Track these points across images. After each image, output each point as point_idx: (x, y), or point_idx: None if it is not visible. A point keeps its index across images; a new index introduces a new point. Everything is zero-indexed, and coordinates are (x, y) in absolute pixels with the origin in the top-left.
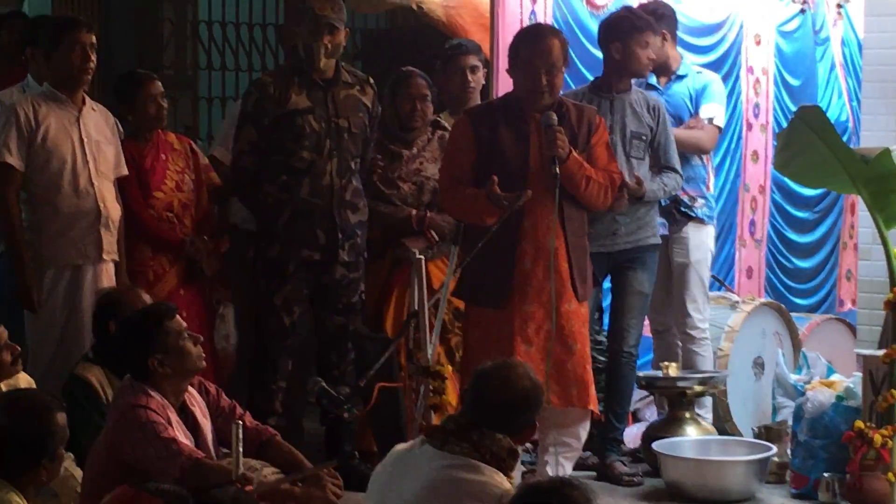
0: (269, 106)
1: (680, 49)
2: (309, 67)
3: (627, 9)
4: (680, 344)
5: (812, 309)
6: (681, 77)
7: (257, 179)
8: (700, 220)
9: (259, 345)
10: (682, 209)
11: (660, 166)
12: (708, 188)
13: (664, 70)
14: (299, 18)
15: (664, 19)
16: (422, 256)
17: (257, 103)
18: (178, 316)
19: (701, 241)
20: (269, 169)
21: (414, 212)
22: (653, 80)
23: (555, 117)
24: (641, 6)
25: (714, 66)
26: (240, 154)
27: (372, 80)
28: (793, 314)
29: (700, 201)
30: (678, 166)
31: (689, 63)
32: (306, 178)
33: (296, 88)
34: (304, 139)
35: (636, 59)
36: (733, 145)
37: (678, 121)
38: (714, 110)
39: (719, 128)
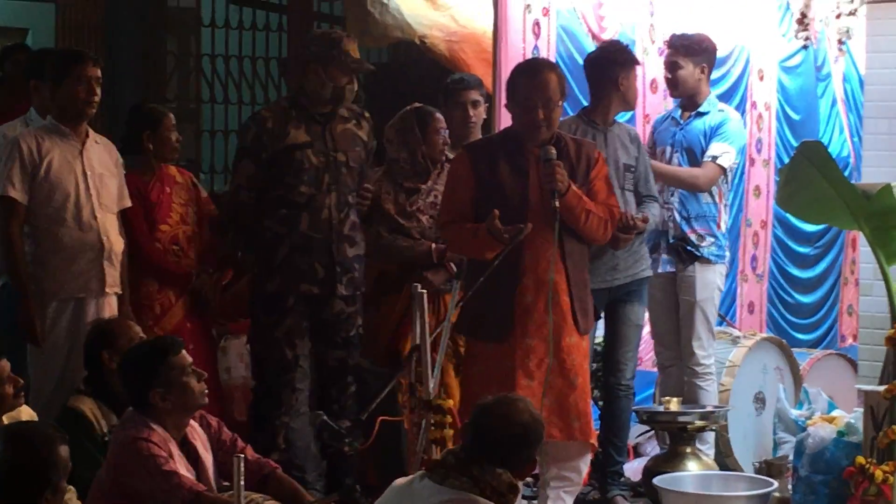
0: (268, 140)
1: None
2: (332, 106)
3: (618, 42)
4: (685, 378)
5: (813, 344)
6: (702, 114)
7: (255, 214)
8: (707, 260)
9: (261, 379)
10: (689, 248)
11: (640, 195)
12: (719, 226)
13: (691, 105)
14: (328, 61)
15: (706, 53)
16: (423, 291)
17: (256, 138)
18: (183, 351)
19: (708, 280)
20: (268, 203)
21: (434, 245)
22: (677, 113)
23: (553, 151)
24: (684, 36)
25: (721, 99)
26: (237, 188)
27: (368, 115)
28: (794, 349)
29: (709, 240)
30: (657, 195)
31: (713, 99)
32: (305, 213)
33: (294, 123)
34: (303, 173)
35: (635, 92)
36: (736, 180)
37: (691, 155)
38: (721, 149)
39: (723, 168)
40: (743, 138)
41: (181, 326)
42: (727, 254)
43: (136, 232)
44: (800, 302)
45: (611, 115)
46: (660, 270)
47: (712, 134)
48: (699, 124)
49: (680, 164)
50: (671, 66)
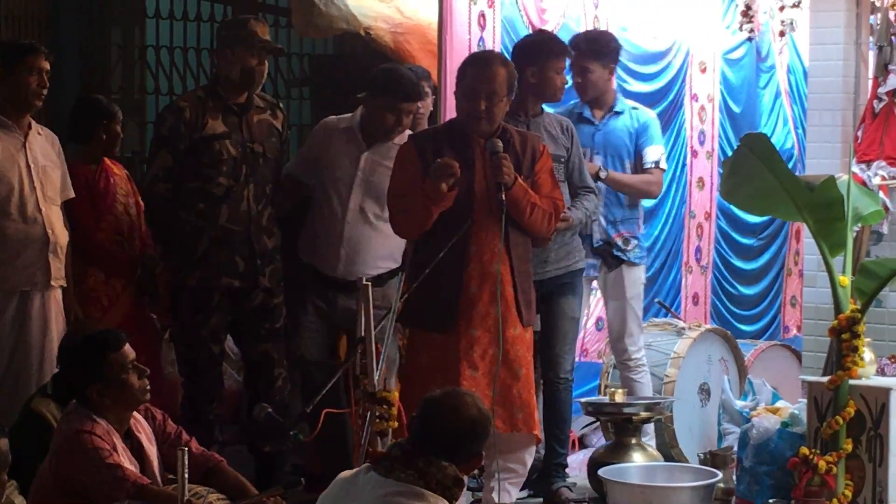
0: (186, 130)
1: (626, 76)
2: (244, 90)
3: (542, 32)
4: (620, 373)
5: (756, 335)
6: (618, 113)
7: (172, 206)
8: (633, 263)
9: (190, 377)
10: (616, 253)
11: (576, 187)
12: (640, 228)
13: (600, 104)
14: (235, 42)
15: (613, 53)
16: (368, 282)
17: (173, 128)
18: (125, 347)
19: (635, 278)
20: (186, 195)
21: None
22: (587, 112)
23: (500, 144)
24: (590, 38)
25: (659, 93)
26: (154, 180)
27: (281, 105)
28: (738, 340)
29: (633, 243)
30: (592, 185)
31: (620, 97)
32: (224, 205)
33: (211, 113)
34: (221, 165)
35: (551, 84)
36: (678, 172)
37: (618, 159)
38: (658, 151)
39: (664, 170)
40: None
41: (129, 317)
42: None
43: (83, 220)
44: (743, 293)
45: (530, 108)
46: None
47: (640, 136)
48: (619, 124)
49: (603, 166)
50: (581, 71)
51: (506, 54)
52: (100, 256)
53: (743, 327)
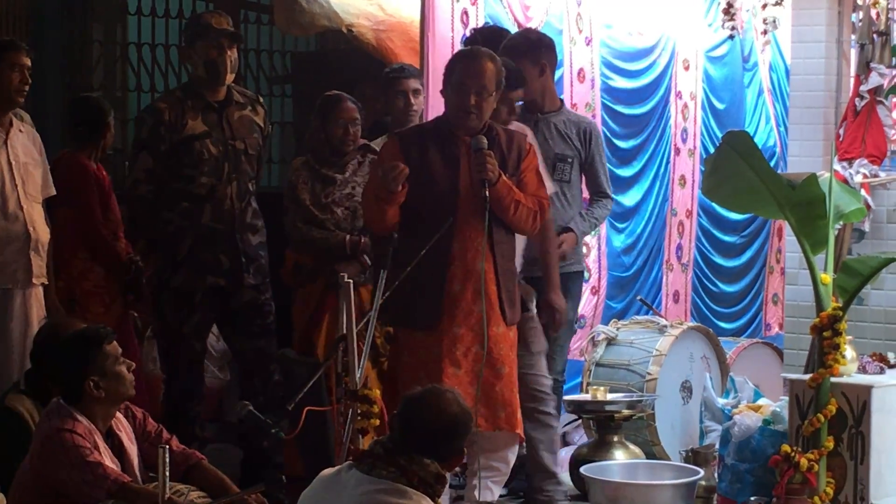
0: (166, 132)
1: (610, 73)
2: (213, 84)
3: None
4: None
5: (737, 333)
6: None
7: (154, 207)
8: None
9: (171, 373)
10: None
11: (591, 192)
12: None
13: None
14: (194, 38)
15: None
16: (350, 280)
17: (153, 130)
18: (115, 340)
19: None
20: (168, 196)
21: (348, 237)
22: None
23: (485, 141)
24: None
25: (646, 90)
26: (135, 183)
27: (261, 99)
28: (720, 338)
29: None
30: (609, 191)
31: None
32: (207, 204)
33: (191, 113)
34: (202, 164)
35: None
36: (661, 170)
37: None
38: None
39: None
40: None
41: (123, 316)
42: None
43: (94, 215)
44: (724, 291)
45: (545, 104)
46: None
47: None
48: None
49: None
50: None
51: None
52: (104, 253)
53: (723, 325)
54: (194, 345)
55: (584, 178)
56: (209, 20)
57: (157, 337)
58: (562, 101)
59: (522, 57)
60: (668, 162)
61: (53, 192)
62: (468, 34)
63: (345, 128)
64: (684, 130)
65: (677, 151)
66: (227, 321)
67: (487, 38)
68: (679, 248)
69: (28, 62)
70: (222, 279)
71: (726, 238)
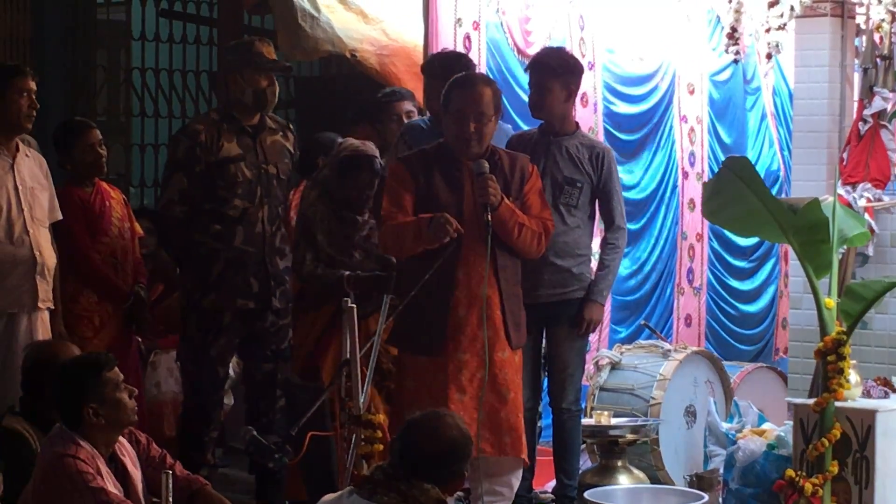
0: (202, 153)
1: (612, 98)
2: (257, 111)
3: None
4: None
5: (756, 355)
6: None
7: (187, 228)
8: None
9: (193, 396)
10: None
11: (605, 224)
12: None
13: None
14: (244, 65)
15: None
16: (353, 305)
17: (188, 151)
18: (116, 367)
19: None
20: (201, 218)
21: (346, 274)
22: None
23: (486, 165)
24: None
25: (647, 115)
26: (169, 203)
27: (291, 126)
28: (724, 362)
29: None
30: (622, 222)
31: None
32: (240, 227)
33: (226, 136)
34: (236, 187)
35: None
36: (669, 194)
37: None
38: None
39: None
40: None
41: (117, 340)
42: None
43: (78, 242)
44: (745, 311)
45: (558, 126)
46: None
47: None
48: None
49: None
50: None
51: (490, 76)
52: (94, 278)
53: (742, 347)
54: (218, 370)
55: (598, 206)
56: (261, 49)
57: (182, 361)
58: (577, 123)
59: (554, 76)
60: (675, 186)
61: (60, 216)
62: (426, 60)
63: (361, 191)
64: (692, 154)
65: (685, 175)
66: (245, 344)
67: (445, 64)
68: (690, 271)
69: (34, 87)
70: (251, 301)
71: (737, 262)
